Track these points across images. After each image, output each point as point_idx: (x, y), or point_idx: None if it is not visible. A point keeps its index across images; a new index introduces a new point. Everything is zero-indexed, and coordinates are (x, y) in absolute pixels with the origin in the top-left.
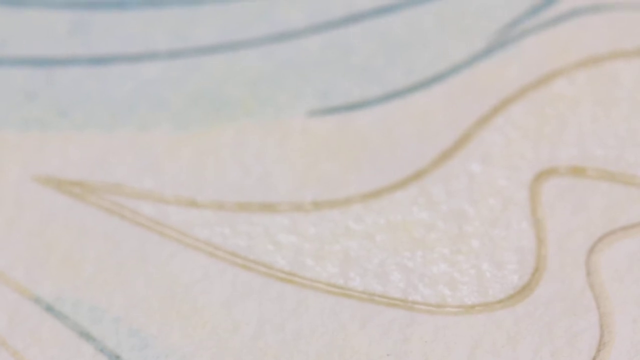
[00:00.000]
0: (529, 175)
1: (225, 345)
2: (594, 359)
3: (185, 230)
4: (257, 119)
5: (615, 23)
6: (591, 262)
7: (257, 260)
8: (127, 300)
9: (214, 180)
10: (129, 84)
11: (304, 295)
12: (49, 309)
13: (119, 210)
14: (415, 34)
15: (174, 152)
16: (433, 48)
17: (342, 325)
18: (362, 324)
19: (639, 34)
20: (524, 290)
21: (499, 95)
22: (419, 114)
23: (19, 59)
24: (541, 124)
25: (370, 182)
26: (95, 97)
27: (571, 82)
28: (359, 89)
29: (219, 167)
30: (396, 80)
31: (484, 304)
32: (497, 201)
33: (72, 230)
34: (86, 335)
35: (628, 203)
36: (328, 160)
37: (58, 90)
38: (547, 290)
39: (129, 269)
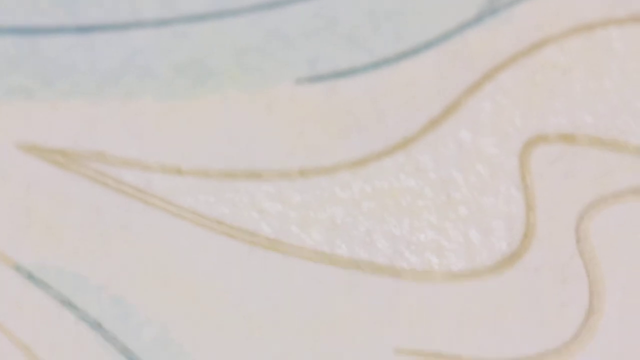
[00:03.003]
0: (518, 143)
1: (208, 314)
2: (583, 326)
3: (170, 199)
4: (243, 87)
5: None
6: (581, 229)
7: (242, 228)
8: (110, 269)
9: (199, 149)
10: (115, 53)
11: (290, 263)
12: (31, 277)
13: (103, 179)
14: (404, 1)
15: (159, 120)
16: (422, 15)
17: (328, 293)
18: (348, 291)
19: (632, 0)
20: (512, 258)
21: (488, 63)
22: (407, 82)
23: (3, 28)
24: (531, 92)
25: (357, 149)
26: (80, 66)
27: (562, 49)
28: (346, 57)
29: (204, 136)
30: (384, 48)
31: (471, 272)
32: (485, 168)
33: (55, 198)
34: (68, 304)
35: (618, 170)
36: (315, 128)
37: (43, 59)
38: (536, 257)
39: (112, 237)
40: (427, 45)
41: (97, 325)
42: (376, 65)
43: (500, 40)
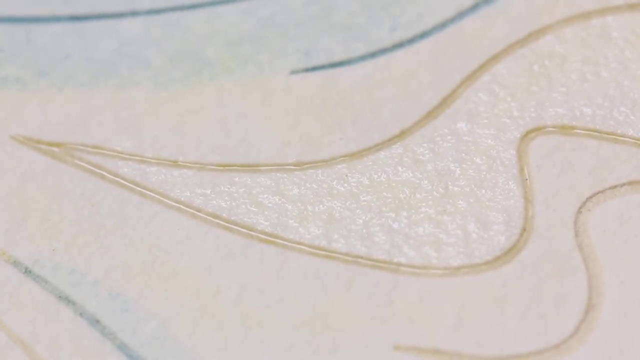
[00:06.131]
0: (516, 134)
1: (206, 309)
2: (582, 321)
3: (166, 192)
4: (238, 78)
5: None
6: (579, 222)
7: (239, 222)
8: (107, 263)
9: (195, 141)
10: (109, 42)
11: (287, 257)
12: (28, 272)
13: (99, 172)
14: None
15: (154, 112)
16: (418, 4)
17: (326, 288)
18: (347, 286)
19: None
20: (510, 252)
21: (485, 53)
22: (403, 72)
23: None
24: (528, 82)
25: (354, 141)
26: (74, 56)
27: (559, 38)
28: (342, 47)
29: (200, 127)
30: (380, 37)
31: (470, 266)
32: (483, 161)
33: (50, 191)
34: (65, 299)
35: (616, 162)
36: (311, 119)
37: (37, 49)
38: (535, 251)
39: (109, 231)
40: (423, 35)
41: (95, 322)
42: (372, 55)
43: (497, 29)
